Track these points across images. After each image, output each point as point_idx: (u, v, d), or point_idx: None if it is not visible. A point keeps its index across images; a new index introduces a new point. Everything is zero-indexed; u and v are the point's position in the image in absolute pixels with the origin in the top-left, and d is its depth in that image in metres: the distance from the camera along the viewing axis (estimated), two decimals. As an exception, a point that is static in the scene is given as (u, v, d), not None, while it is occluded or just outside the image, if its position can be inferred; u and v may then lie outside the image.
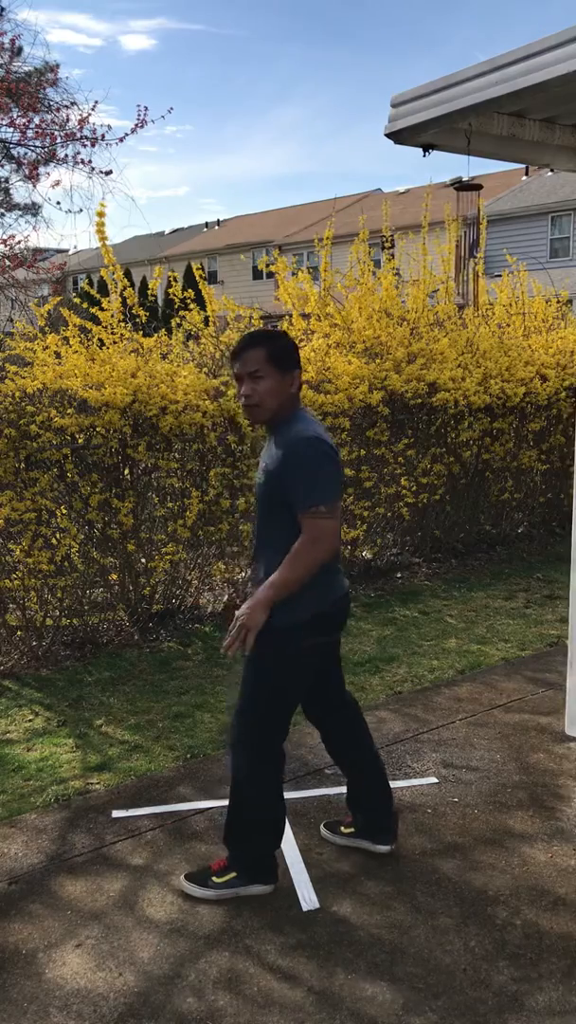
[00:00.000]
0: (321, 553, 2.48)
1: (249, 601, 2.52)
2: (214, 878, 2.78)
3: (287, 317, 6.62)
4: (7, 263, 12.85)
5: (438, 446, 6.69)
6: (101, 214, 5.29)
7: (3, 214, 14.92)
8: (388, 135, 3.62)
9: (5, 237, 12.67)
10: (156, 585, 5.48)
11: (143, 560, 5.39)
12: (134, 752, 3.84)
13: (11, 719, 4.24)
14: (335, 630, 2.74)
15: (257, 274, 30.67)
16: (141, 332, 5.51)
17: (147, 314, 5.63)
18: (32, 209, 14.93)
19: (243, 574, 5.93)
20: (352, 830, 3.02)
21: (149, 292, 5.72)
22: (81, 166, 12.77)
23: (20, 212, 14.90)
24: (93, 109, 15.31)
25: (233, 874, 2.78)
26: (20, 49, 13.27)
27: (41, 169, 13.06)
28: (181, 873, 2.89)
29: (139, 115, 12.26)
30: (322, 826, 3.10)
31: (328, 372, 5.89)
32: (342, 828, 3.05)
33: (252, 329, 5.91)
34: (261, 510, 2.65)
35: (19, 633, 5.04)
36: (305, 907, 2.74)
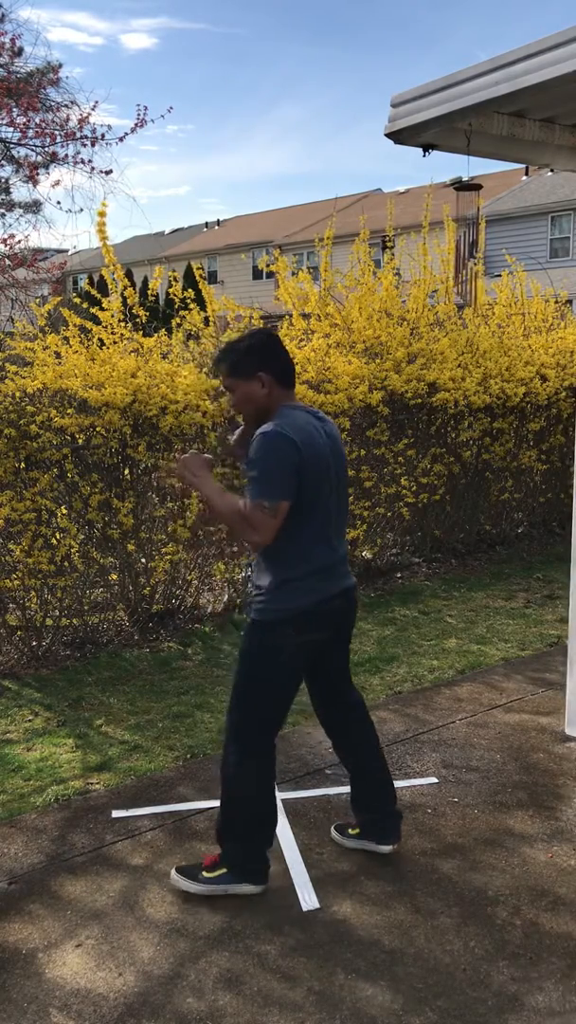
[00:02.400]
0: (250, 539, 2.52)
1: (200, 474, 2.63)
2: (204, 873, 2.78)
3: (287, 317, 6.62)
4: (7, 263, 12.85)
5: (438, 446, 6.69)
6: (102, 214, 5.29)
7: (3, 214, 14.92)
8: (388, 135, 3.62)
9: (5, 237, 12.68)
10: (156, 585, 5.48)
11: (143, 560, 5.39)
12: (134, 752, 3.84)
13: (11, 719, 4.24)
14: (324, 629, 2.71)
15: (257, 274, 30.67)
16: (141, 332, 5.51)
17: (147, 314, 5.63)
18: (33, 207, 14.93)
19: (243, 574, 5.93)
20: (358, 831, 3.02)
21: (149, 292, 5.72)
22: (81, 166, 12.79)
23: (21, 211, 14.90)
24: (93, 109, 15.36)
25: (223, 870, 2.77)
26: (21, 50, 13.28)
27: (41, 169, 13.06)
28: (181, 873, 2.90)
29: (139, 115, 12.28)
30: (332, 828, 3.11)
31: (328, 372, 5.89)
32: (350, 830, 3.05)
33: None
34: None
35: (19, 633, 5.04)
36: (305, 907, 2.74)
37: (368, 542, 6.53)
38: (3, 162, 13.66)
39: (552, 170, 7.35)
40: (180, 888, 2.79)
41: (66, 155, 12.76)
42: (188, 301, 5.80)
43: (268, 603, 2.63)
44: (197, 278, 6.24)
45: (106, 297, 5.52)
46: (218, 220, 39.31)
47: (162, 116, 31.91)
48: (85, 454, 5.02)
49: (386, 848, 2.96)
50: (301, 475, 2.51)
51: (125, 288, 5.47)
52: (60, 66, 13.30)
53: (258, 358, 2.61)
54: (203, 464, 2.67)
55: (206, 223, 39.53)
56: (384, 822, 2.97)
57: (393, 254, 6.94)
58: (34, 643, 5.02)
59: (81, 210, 27.91)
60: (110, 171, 12.77)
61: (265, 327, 2.82)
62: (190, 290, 5.83)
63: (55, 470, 4.91)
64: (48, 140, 12.65)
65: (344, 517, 2.78)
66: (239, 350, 2.63)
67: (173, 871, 2.84)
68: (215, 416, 5.33)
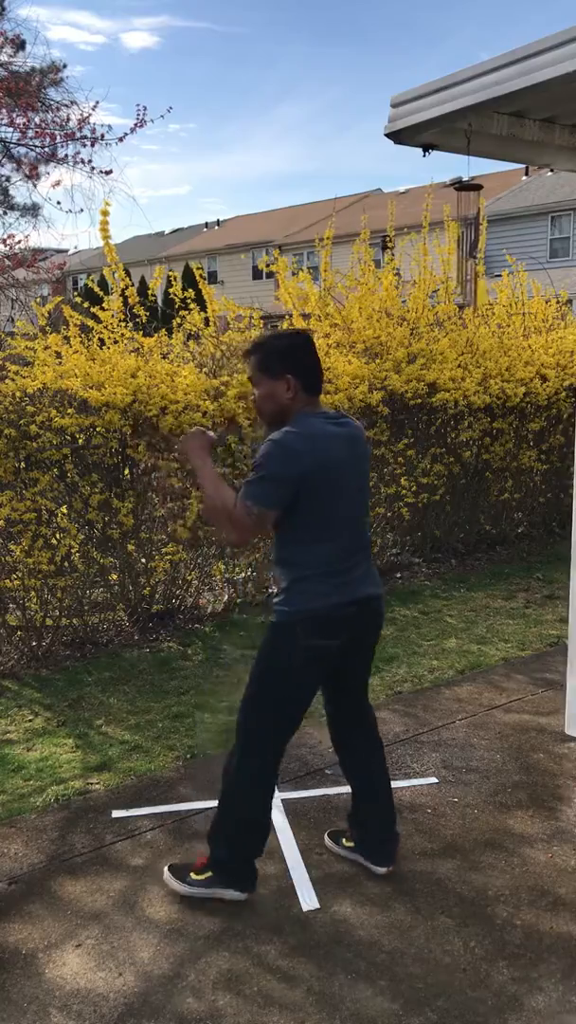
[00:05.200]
0: (230, 534, 2.51)
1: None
2: (192, 874, 2.77)
3: (287, 317, 6.62)
4: (7, 263, 12.85)
5: (438, 446, 6.69)
6: (105, 213, 5.28)
7: (4, 213, 14.92)
8: (388, 135, 3.61)
9: (5, 237, 12.68)
10: (156, 585, 5.48)
11: (143, 560, 5.39)
12: (134, 752, 3.84)
13: (11, 719, 4.24)
14: (335, 635, 2.62)
15: (257, 274, 30.66)
16: (141, 332, 5.51)
17: (147, 314, 5.63)
18: (32, 211, 14.93)
19: (243, 574, 5.93)
20: (353, 844, 2.98)
21: (149, 292, 5.72)
22: (81, 166, 12.78)
23: (20, 213, 14.90)
24: (94, 109, 15.32)
25: (210, 873, 2.75)
26: (23, 43, 13.27)
27: (41, 169, 13.07)
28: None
29: (138, 114, 12.27)
30: (326, 835, 3.08)
31: (328, 372, 5.89)
32: (344, 840, 3.01)
33: (258, 331, 5.93)
34: None
35: (19, 633, 5.04)
36: (305, 907, 2.74)
37: (368, 542, 6.52)
38: (3, 161, 13.66)
39: (552, 170, 7.35)
40: (170, 887, 2.80)
41: (66, 155, 12.78)
42: (188, 301, 5.80)
43: (281, 605, 2.61)
44: (197, 278, 6.23)
45: (106, 296, 5.52)
46: (218, 220, 39.30)
47: (162, 116, 31.96)
48: (85, 454, 5.02)
49: (381, 870, 2.88)
50: (303, 485, 2.48)
51: (126, 288, 5.46)
52: (65, 66, 13.33)
53: (291, 360, 2.58)
54: (205, 443, 2.65)
55: (206, 223, 39.52)
56: (381, 844, 2.91)
57: (393, 254, 6.94)
58: (34, 643, 5.02)
59: (81, 210, 27.93)
60: (110, 171, 12.78)
61: (303, 329, 2.78)
62: (190, 290, 5.83)
63: (55, 470, 4.91)
64: (48, 140, 12.66)
65: (363, 522, 2.71)
66: (272, 348, 2.61)
67: (166, 869, 2.85)
68: (215, 416, 5.32)
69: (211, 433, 2.70)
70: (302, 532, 2.57)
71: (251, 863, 2.77)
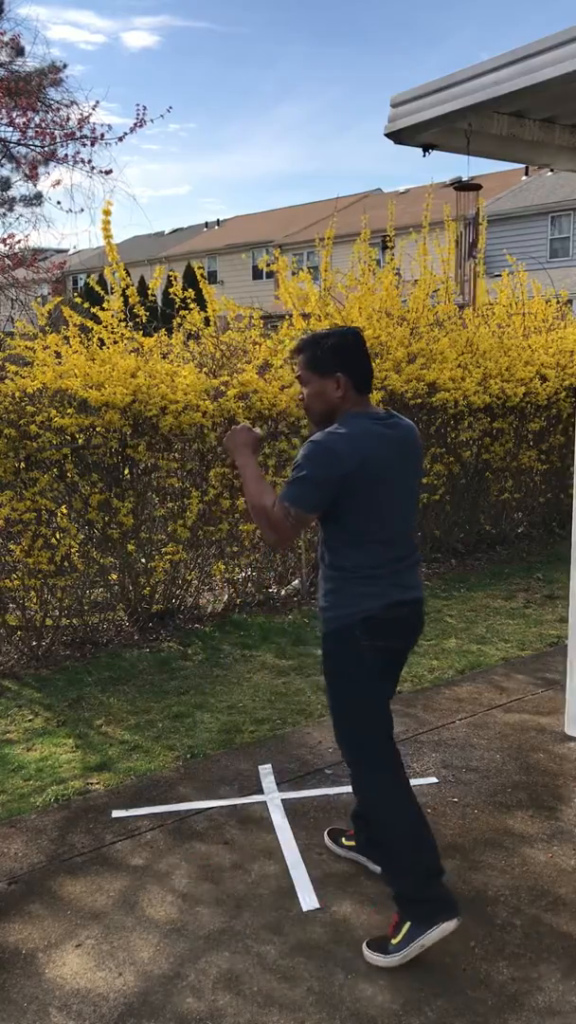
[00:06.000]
0: (266, 536, 2.47)
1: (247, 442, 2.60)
2: (392, 940, 2.49)
3: (287, 317, 6.62)
4: (7, 263, 12.85)
5: (438, 446, 6.69)
6: (107, 212, 5.28)
7: (4, 213, 14.91)
8: (388, 135, 3.61)
9: (5, 236, 12.68)
10: (156, 585, 5.48)
11: (143, 560, 5.39)
12: (134, 752, 3.84)
13: (11, 719, 4.24)
14: (394, 635, 2.56)
15: (257, 274, 30.67)
16: (141, 332, 5.51)
17: (147, 314, 5.63)
18: (34, 201, 14.85)
19: (243, 574, 5.93)
20: (353, 843, 2.98)
21: (149, 292, 5.72)
22: (81, 165, 12.78)
23: (22, 205, 14.85)
24: (94, 108, 15.32)
25: (408, 924, 2.47)
26: (23, 50, 13.28)
27: (41, 168, 13.06)
28: (181, 873, 2.89)
29: (138, 114, 12.27)
30: (326, 833, 3.08)
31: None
32: (343, 839, 3.01)
33: (258, 331, 5.91)
34: None
35: (19, 633, 5.04)
36: (305, 907, 2.74)
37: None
38: (3, 161, 13.66)
39: (552, 170, 7.35)
40: (376, 964, 2.49)
41: (66, 154, 12.77)
42: (188, 301, 5.80)
43: (330, 611, 2.54)
44: (198, 278, 6.23)
45: (107, 295, 5.52)
46: (218, 220, 39.30)
47: (162, 116, 31.91)
48: (85, 454, 5.02)
49: (380, 869, 2.84)
50: (346, 487, 2.41)
51: (127, 287, 5.46)
52: (65, 66, 13.32)
53: (341, 358, 2.51)
54: (251, 441, 2.58)
55: (206, 223, 39.52)
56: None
57: (393, 254, 6.94)
58: (34, 643, 5.02)
59: (82, 210, 27.91)
60: (110, 171, 12.77)
61: (354, 328, 2.71)
62: (190, 290, 5.83)
63: (55, 470, 4.91)
64: (48, 140, 12.65)
65: (410, 523, 2.64)
66: (323, 345, 2.53)
67: (365, 947, 2.53)
68: (215, 416, 5.32)
69: (257, 430, 2.63)
70: (350, 534, 2.50)
71: (438, 883, 2.51)
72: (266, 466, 5.61)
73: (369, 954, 2.51)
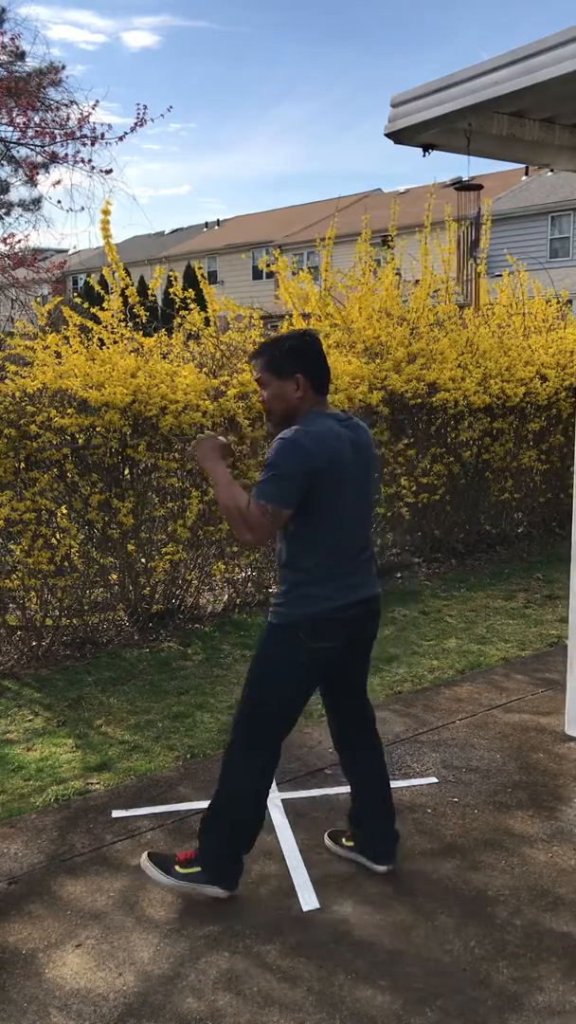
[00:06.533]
0: (243, 536, 2.50)
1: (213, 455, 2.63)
2: (178, 867, 2.75)
3: (287, 317, 6.62)
4: (7, 263, 12.85)
5: (438, 446, 6.69)
6: (106, 211, 5.27)
7: (3, 216, 14.90)
8: (388, 135, 3.62)
9: (5, 236, 12.68)
10: (156, 585, 5.48)
11: (143, 560, 5.39)
12: (134, 752, 3.84)
13: (11, 719, 4.24)
14: (338, 637, 2.63)
15: (257, 274, 30.66)
16: (141, 332, 5.51)
17: (147, 314, 5.63)
18: (32, 205, 14.87)
19: (243, 574, 5.93)
20: (352, 844, 2.99)
21: (149, 292, 5.73)
22: (81, 165, 12.77)
23: (21, 210, 14.86)
24: (94, 108, 15.32)
25: (197, 869, 2.73)
26: (23, 53, 13.28)
27: (41, 169, 13.06)
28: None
29: (138, 114, 12.27)
30: (326, 835, 3.08)
31: (328, 372, 5.88)
32: (344, 840, 3.01)
33: (258, 331, 5.92)
34: None
35: (19, 633, 5.04)
36: (305, 907, 2.74)
37: (368, 542, 6.52)
38: (3, 162, 13.66)
39: (552, 170, 7.35)
40: (150, 875, 2.78)
41: (66, 155, 12.76)
42: (188, 301, 5.80)
43: (282, 607, 2.62)
44: (198, 278, 6.23)
45: (107, 295, 5.52)
46: (218, 220, 39.30)
47: (162, 115, 31.93)
48: (85, 454, 5.02)
49: (381, 868, 2.89)
50: (314, 484, 2.48)
51: (127, 287, 5.46)
52: (64, 67, 13.31)
53: (299, 360, 2.59)
54: (217, 447, 2.64)
55: (206, 223, 39.52)
56: (381, 843, 2.92)
57: (394, 254, 6.94)
58: (34, 643, 5.02)
59: (82, 209, 27.86)
60: (110, 170, 12.75)
61: (309, 330, 2.78)
62: (190, 290, 5.83)
63: (55, 470, 4.91)
64: (48, 140, 12.65)
65: (366, 524, 2.73)
66: (282, 348, 2.61)
67: (145, 855, 2.82)
68: (215, 416, 5.32)
69: (222, 438, 2.69)
70: (308, 532, 2.57)
71: (239, 861, 2.76)
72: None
73: (147, 863, 2.78)
